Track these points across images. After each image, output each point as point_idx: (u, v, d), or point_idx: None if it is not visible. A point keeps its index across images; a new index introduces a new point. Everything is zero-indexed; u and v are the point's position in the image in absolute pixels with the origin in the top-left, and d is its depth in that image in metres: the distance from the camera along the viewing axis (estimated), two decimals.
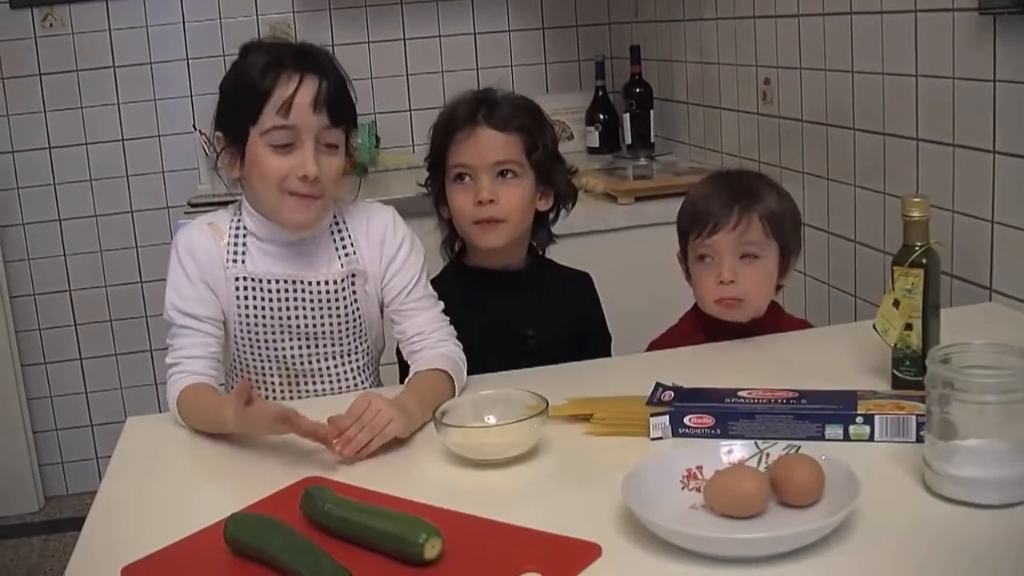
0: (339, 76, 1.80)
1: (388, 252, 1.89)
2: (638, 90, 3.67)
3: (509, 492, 1.44)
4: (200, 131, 3.69)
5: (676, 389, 1.61)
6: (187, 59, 3.87)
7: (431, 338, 1.85)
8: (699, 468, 1.36)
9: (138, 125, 3.89)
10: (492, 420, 1.57)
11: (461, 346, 1.86)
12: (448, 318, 1.90)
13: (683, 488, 1.34)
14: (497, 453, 1.49)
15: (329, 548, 1.23)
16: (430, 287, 1.93)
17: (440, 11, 4.00)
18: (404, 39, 3.99)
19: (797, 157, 2.79)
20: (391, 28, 3.98)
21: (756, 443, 1.39)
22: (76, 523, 3.39)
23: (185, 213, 3.27)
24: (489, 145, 1.98)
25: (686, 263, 2.01)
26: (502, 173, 1.99)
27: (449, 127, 2.01)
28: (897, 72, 2.32)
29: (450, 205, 2.04)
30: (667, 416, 1.55)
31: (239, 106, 1.77)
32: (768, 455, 1.36)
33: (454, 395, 1.73)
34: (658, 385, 1.62)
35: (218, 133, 1.82)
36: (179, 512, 1.45)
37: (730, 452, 1.38)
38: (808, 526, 1.20)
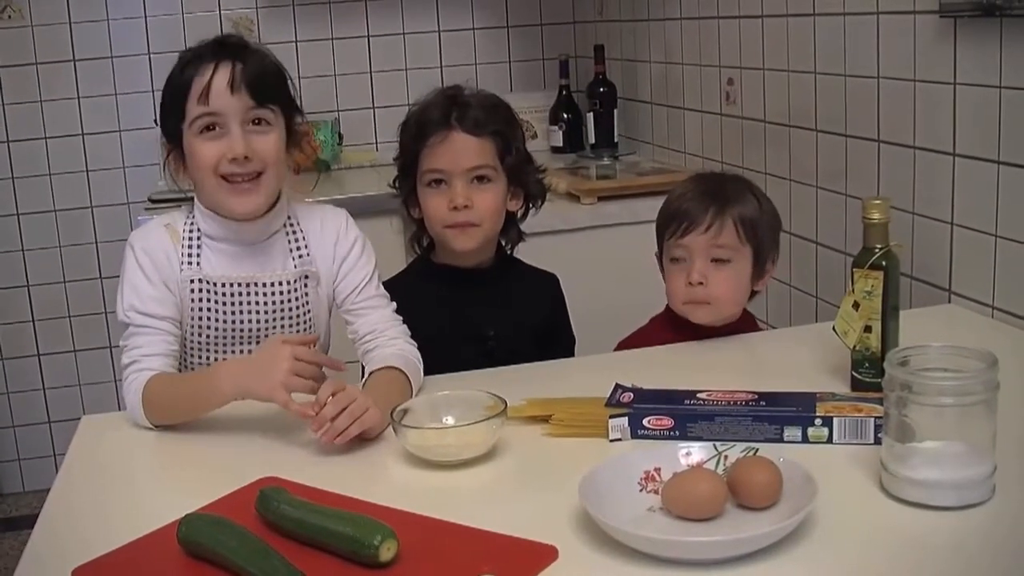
0: (258, 57, 1.80)
1: (340, 252, 1.89)
2: (602, 89, 3.67)
3: (466, 493, 1.44)
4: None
5: (635, 390, 1.60)
6: (149, 54, 3.83)
7: (383, 336, 1.84)
8: (657, 470, 1.35)
9: (98, 119, 3.86)
10: (450, 421, 1.56)
11: (415, 344, 1.85)
12: (400, 317, 1.89)
13: (641, 490, 1.33)
14: (454, 454, 1.48)
15: (284, 550, 1.22)
16: (382, 288, 1.92)
17: (404, 8, 3.98)
18: (368, 36, 3.97)
19: (760, 158, 2.80)
20: (355, 25, 3.95)
21: (715, 445, 1.39)
22: (32, 521, 3.34)
23: (145, 209, 3.24)
24: (464, 151, 1.97)
25: (662, 262, 2.01)
26: (477, 178, 1.99)
27: (421, 130, 2.00)
28: (859, 74, 2.33)
29: (423, 208, 2.02)
30: (626, 418, 1.54)
31: (170, 107, 1.79)
32: (726, 457, 1.36)
33: (411, 393, 1.72)
34: (617, 386, 1.62)
35: (163, 139, 1.83)
36: (133, 513, 1.43)
37: (688, 454, 1.37)
38: (765, 529, 1.20)
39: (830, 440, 1.49)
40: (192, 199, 1.87)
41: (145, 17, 3.83)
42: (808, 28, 2.50)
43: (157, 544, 1.31)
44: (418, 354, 1.83)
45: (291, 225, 1.87)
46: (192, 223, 1.84)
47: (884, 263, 1.62)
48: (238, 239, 1.82)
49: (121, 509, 1.46)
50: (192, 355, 1.84)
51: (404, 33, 3.99)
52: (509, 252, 2.14)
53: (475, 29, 4.05)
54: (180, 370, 1.84)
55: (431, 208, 2.00)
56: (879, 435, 1.42)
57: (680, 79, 3.26)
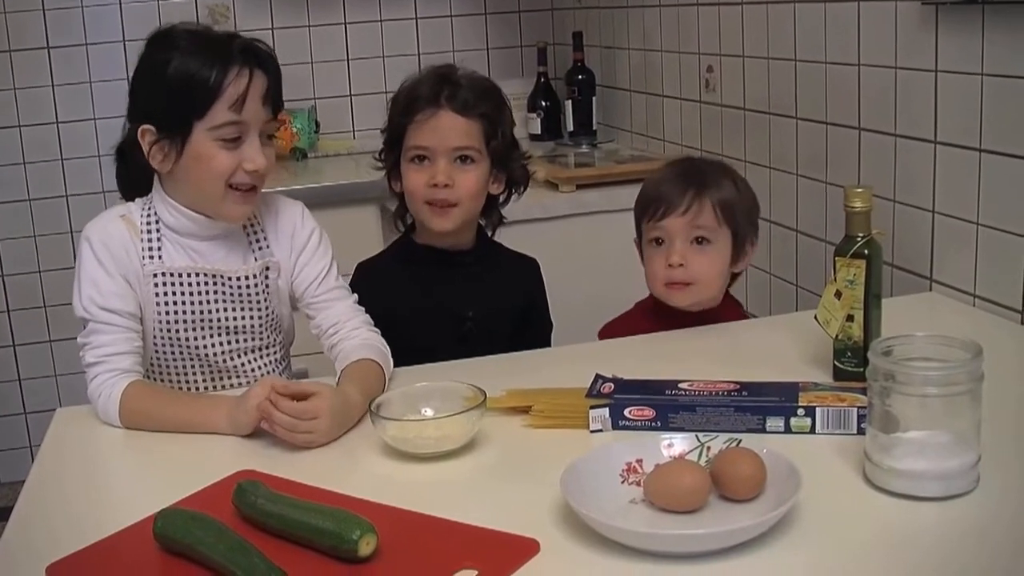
0: (278, 69, 1.78)
1: (298, 244, 1.88)
2: (580, 77, 3.67)
3: (446, 486, 1.42)
4: None
5: (616, 381, 1.59)
6: (124, 41, 3.80)
7: (346, 326, 1.83)
8: (639, 462, 1.34)
9: (73, 108, 3.83)
10: (429, 413, 1.54)
11: (378, 331, 1.84)
12: (362, 308, 1.89)
13: (623, 482, 1.32)
14: (434, 446, 1.47)
15: (262, 545, 1.20)
16: (341, 279, 1.91)
17: None
18: (345, 23, 3.96)
19: (739, 145, 2.80)
20: (331, 12, 3.95)
21: (697, 436, 1.38)
22: (7, 513, 3.34)
23: (120, 198, 3.22)
24: (450, 130, 1.98)
25: (641, 247, 2.01)
26: (460, 158, 1.99)
27: (410, 105, 2.00)
28: (840, 61, 2.32)
29: (404, 183, 2.03)
30: (607, 408, 1.53)
31: (183, 99, 1.70)
32: (709, 448, 1.35)
33: (385, 379, 1.72)
34: (598, 377, 1.61)
35: (148, 126, 1.73)
36: (108, 507, 1.42)
37: (670, 446, 1.36)
38: (749, 521, 1.19)
39: (813, 430, 1.48)
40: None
41: (120, 4, 3.79)
42: (788, 15, 2.50)
43: (133, 539, 1.29)
44: (383, 340, 1.82)
45: (249, 219, 1.85)
46: (150, 215, 1.80)
47: (866, 252, 1.61)
48: (203, 234, 1.80)
49: (96, 504, 1.44)
50: (163, 349, 1.81)
51: (381, 20, 3.98)
52: (490, 235, 2.15)
53: (453, 16, 4.04)
54: (152, 365, 1.83)
55: (412, 183, 2.01)
56: (862, 425, 1.42)
57: (659, 66, 3.26)
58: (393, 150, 2.05)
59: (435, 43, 3.98)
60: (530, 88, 3.92)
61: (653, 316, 1.99)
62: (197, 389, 1.84)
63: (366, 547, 1.19)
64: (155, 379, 1.83)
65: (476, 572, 1.16)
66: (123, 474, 1.60)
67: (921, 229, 2.12)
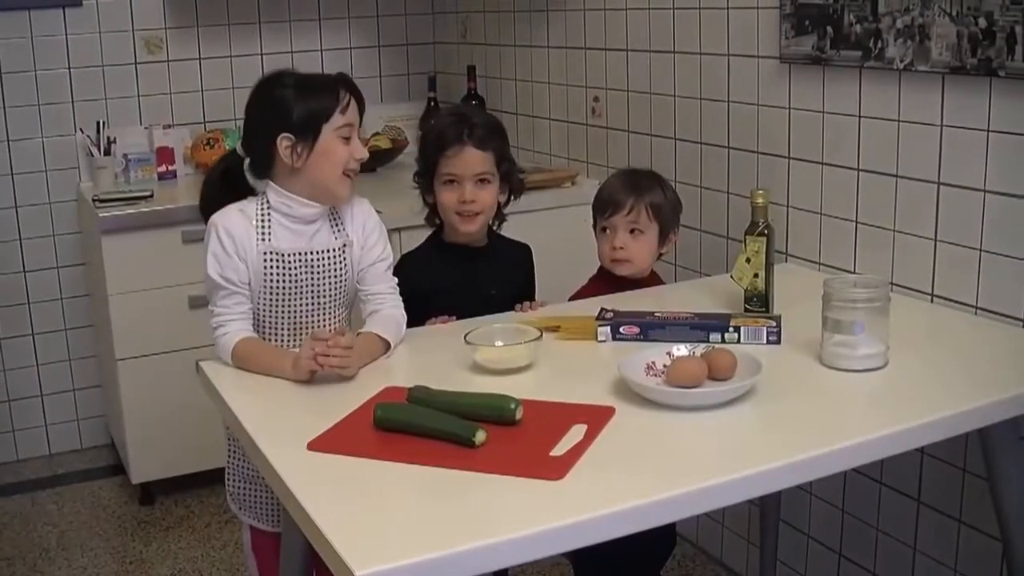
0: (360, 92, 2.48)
1: (366, 231, 2.53)
2: (473, 102, 4.31)
3: (532, 387, 2.13)
4: (83, 131, 4.18)
5: (614, 311, 2.41)
6: (69, 68, 4.28)
7: (387, 301, 2.50)
8: (653, 362, 2.13)
9: (24, 127, 4.24)
10: (500, 343, 2.26)
11: (402, 307, 2.52)
12: (397, 289, 2.54)
13: (647, 374, 2.10)
14: (516, 361, 2.21)
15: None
16: (390, 258, 2.56)
17: (292, 30, 4.60)
18: (261, 54, 4.54)
19: (623, 159, 3.54)
20: (249, 44, 4.53)
21: (686, 345, 2.18)
22: (25, 487, 3.96)
23: (96, 207, 3.76)
24: (473, 160, 2.64)
25: (596, 231, 2.80)
26: (480, 180, 2.67)
27: (440, 143, 2.66)
28: (712, 98, 3.12)
29: (438, 199, 2.69)
30: (609, 326, 2.35)
31: (313, 111, 2.34)
32: (696, 351, 2.16)
33: (397, 335, 2.40)
34: (602, 308, 2.43)
35: (286, 134, 2.34)
36: (321, 405, 2.06)
37: (674, 351, 2.16)
38: (729, 386, 2.01)
39: (739, 341, 2.30)
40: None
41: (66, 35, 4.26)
42: (669, 61, 3.29)
43: (360, 419, 1.98)
44: (403, 313, 2.50)
45: (332, 210, 2.50)
46: (263, 207, 2.42)
47: (767, 231, 2.46)
48: (306, 218, 2.44)
49: (301, 408, 2.11)
50: (263, 310, 2.44)
51: (292, 52, 4.58)
52: (497, 229, 2.83)
53: (352, 48, 4.71)
54: (256, 323, 2.45)
55: (444, 199, 2.68)
56: (770, 338, 2.27)
57: (546, 95, 3.93)
58: (427, 174, 2.72)
59: (337, 70, 4.58)
60: (418, 111, 4.61)
61: (604, 281, 2.80)
62: (283, 340, 2.48)
63: (520, 412, 1.91)
64: (258, 332, 2.44)
65: (585, 425, 1.89)
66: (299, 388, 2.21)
67: (778, 221, 2.96)
